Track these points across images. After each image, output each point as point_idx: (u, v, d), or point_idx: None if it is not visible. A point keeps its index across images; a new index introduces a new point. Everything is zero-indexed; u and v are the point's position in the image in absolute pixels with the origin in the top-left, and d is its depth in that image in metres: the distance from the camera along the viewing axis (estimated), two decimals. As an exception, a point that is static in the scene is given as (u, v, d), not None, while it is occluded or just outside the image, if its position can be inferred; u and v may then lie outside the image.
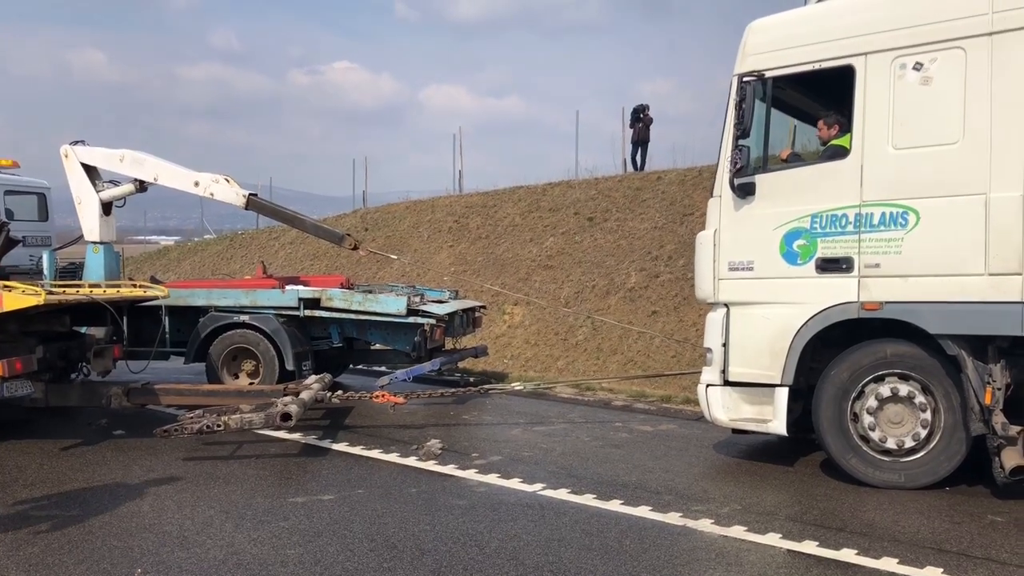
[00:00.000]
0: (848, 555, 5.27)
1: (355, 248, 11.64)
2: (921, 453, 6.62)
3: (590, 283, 15.35)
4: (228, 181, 11.10)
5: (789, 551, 5.38)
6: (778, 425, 6.99)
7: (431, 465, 7.52)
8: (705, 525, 5.84)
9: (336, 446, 8.27)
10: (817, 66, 6.90)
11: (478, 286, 15.85)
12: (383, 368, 11.95)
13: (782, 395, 6.95)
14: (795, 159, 7.43)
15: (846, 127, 6.89)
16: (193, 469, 7.36)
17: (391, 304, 10.25)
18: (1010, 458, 6.06)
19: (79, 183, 11.34)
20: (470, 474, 7.22)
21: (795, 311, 6.92)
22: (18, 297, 7.61)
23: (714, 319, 7.36)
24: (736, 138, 7.08)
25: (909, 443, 6.61)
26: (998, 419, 6.14)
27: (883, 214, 6.56)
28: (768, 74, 7.04)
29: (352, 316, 10.45)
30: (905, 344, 6.63)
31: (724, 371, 7.26)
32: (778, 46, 7.08)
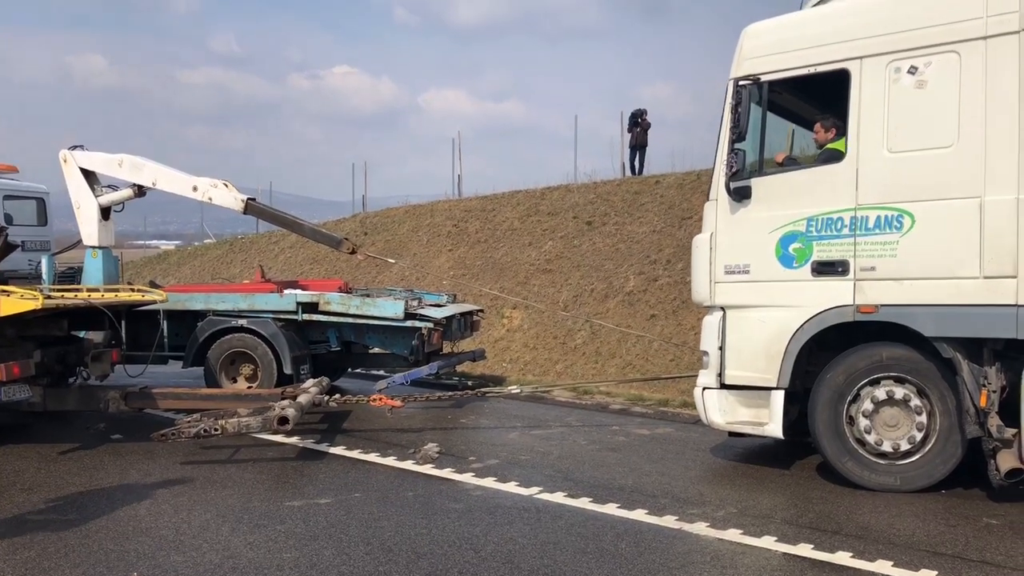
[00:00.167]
0: (843, 558, 5.28)
1: (353, 252, 11.68)
2: (917, 456, 6.63)
3: (589, 287, 15.36)
4: (226, 186, 11.14)
5: (784, 554, 5.39)
6: (774, 428, 6.99)
7: (428, 469, 7.53)
8: (701, 528, 5.85)
9: (333, 450, 8.28)
10: (812, 70, 6.92)
11: (477, 290, 15.87)
12: (381, 372, 11.96)
13: (778, 398, 6.96)
14: (791, 163, 7.45)
15: (843, 130, 6.91)
16: (190, 473, 7.37)
17: (388, 308, 10.27)
18: (1005, 460, 6.08)
19: (78, 188, 11.39)
20: (467, 478, 7.23)
21: (791, 314, 6.93)
22: (16, 302, 7.62)
23: (710, 322, 7.37)
24: (732, 142, 7.09)
25: (905, 446, 6.62)
26: (993, 422, 6.15)
27: (878, 217, 6.57)
28: (764, 78, 7.06)
29: (350, 320, 10.47)
30: (901, 347, 6.64)
31: (720, 374, 7.27)
32: (774, 50, 7.10)
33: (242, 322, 10.44)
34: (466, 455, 8.04)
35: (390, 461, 7.81)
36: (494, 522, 5.99)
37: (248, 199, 11.19)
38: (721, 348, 7.25)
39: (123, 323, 10.22)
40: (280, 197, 43.92)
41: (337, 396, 9.06)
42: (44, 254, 13.34)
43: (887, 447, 6.66)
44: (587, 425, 9.66)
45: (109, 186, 11.53)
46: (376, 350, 11.39)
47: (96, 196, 11.36)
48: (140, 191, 11.34)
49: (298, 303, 10.51)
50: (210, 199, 11.13)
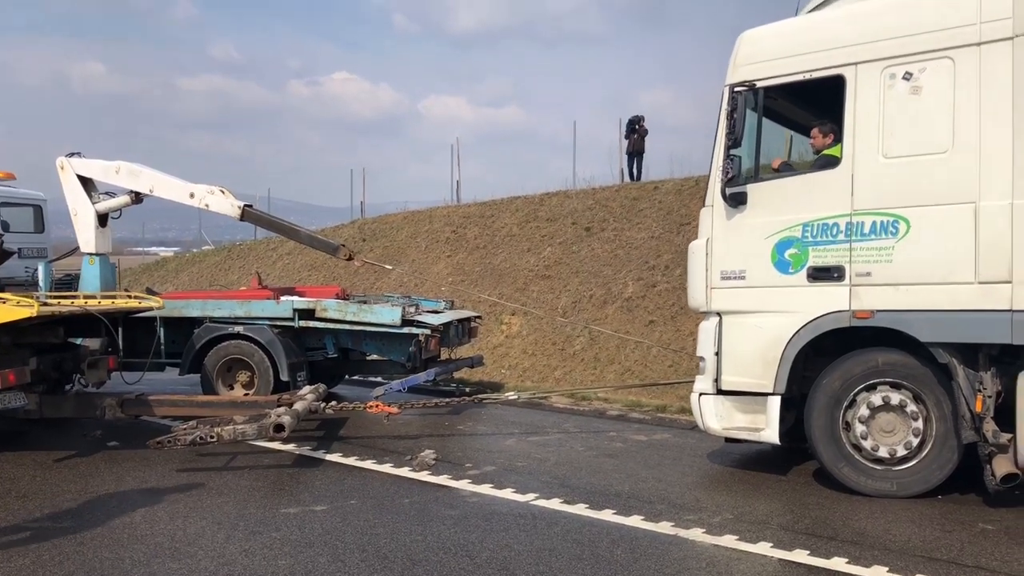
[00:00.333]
0: (839, 564, 5.27)
1: (350, 259, 11.67)
2: (913, 462, 6.62)
3: (587, 293, 15.36)
4: (223, 192, 11.14)
5: (780, 560, 5.38)
6: (771, 434, 6.98)
7: (424, 475, 7.52)
8: (696, 534, 5.84)
9: (330, 457, 8.27)
10: (808, 76, 6.93)
11: (475, 296, 15.87)
12: (378, 379, 11.94)
13: (775, 404, 6.96)
14: (786, 169, 7.46)
15: (840, 136, 6.91)
16: (186, 480, 7.36)
17: (385, 314, 10.27)
18: (1001, 466, 6.08)
19: (75, 195, 11.39)
20: (463, 484, 7.22)
21: (787, 320, 6.94)
22: (11, 309, 7.62)
23: (707, 328, 7.37)
24: (728, 148, 7.10)
25: (901, 452, 6.62)
26: (989, 427, 6.14)
27: (874, 223, 6.58)
28: (759, 84, 7.07)
29: (347, 327, 10.47)
30: (896, 353, 6.64)
31: (717, 380, 7.27)
32: (769, 56, 7.11)
33: (239, 329, 10.44)
34: (463, 462, 8.04)
35: (386, 468, 7.80)
36: (490, 529, 5.98)
37: (245, 206, 11.20)
38: (717, 354, 7.26)
39: (120, 330, 10.21)
40: (279, 203, 43.98)
41: (334, 403, 9.06)
42: (41, 261, 13.35)
43: (883, 452, 6.66)
44: (584, 431, 9.65)
45: (106, 193, 11.53)
46: (373, 357, 11.38)
47: (93, 203, 11.36)
48: (137, 198, 11.34)
49: (295, 310, 10.50)
50: (207, 205, 11.13)
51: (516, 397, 11.08)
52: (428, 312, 10.85)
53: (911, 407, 6.59)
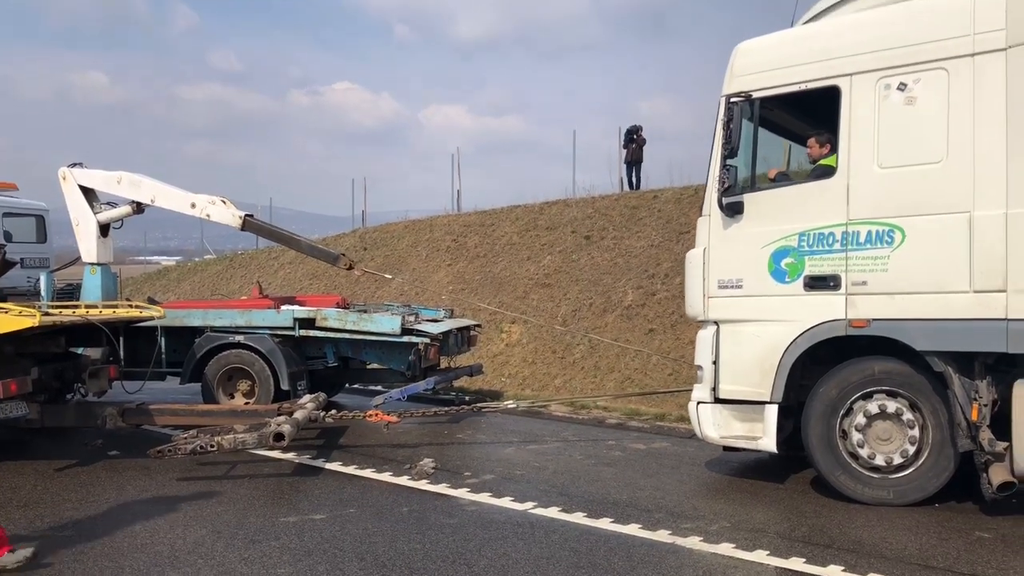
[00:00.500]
0: (835, 571, 5.30)
1: (350, 268, 11.73)
2: (910, 470, 6.65)
3: (587, 301, 15.40)
4: (224, 202, 11.21)
5: (777, 568, 5.41)
6: (768, 442, 7.02)
7: (423, 484, 7.55)
8: (694, 542, 5.87)
9: (329, 465, 8.30)
10: (803, 87, 6.98)
11: (475, 305, 15.90)
12: (378, 387, 11.98)
13: (772, 412, 6.99)
14: (783, 178, 7.50)
15: (835, 146, 6.96)
16: (186, 489, 7.39)
17: (385, 323, 10.31)
18: (997, 474, 6.11)
19: (77, 205, 11.46)
20: (462, 493, 7.25)
21: (784, 329, 6.97)
22: (13, 319, 7.66)
23: (704, 337, 7.41)
24: (724, 158, 7.16)
25: (898, 460, 6.65)
26: (985, 435, 6.17)
27: (869, 232, 6.62)
28: (755, 95, 7.13)
29: (347, 336, 10.51)
30: (893, 361, 6.68)
31: (714, 388, 7.30)
32: (765, 67, 7.16)
33: (239, 338, 10.47)
34: (462, 470, 8.06)
35: (386, 477, 7.83)
36: (488, 537, 6.01)
37: (246, 216, 11.26)
38: (715, 363, 7.29)
39: (121, 339, 10.25)
40: (280, 213, 44.09)
41: (334, 412, 9.09)
42: (43, 271, 13.40)
43: (880, 461, 6.69)
44: (583, 440, 9.68)
45: (108, 203, 11.60)
46: (373, 365, 11.42)
47: (95, 213, 11.43)
48: (139, 208, 11.41)
49: (295, 319, 10.54)
50: (208, 216, 11.20)
51: (515, 406, 11.11)
52: (428, 321, 10.89)
53: (907, 415, 6.62)
